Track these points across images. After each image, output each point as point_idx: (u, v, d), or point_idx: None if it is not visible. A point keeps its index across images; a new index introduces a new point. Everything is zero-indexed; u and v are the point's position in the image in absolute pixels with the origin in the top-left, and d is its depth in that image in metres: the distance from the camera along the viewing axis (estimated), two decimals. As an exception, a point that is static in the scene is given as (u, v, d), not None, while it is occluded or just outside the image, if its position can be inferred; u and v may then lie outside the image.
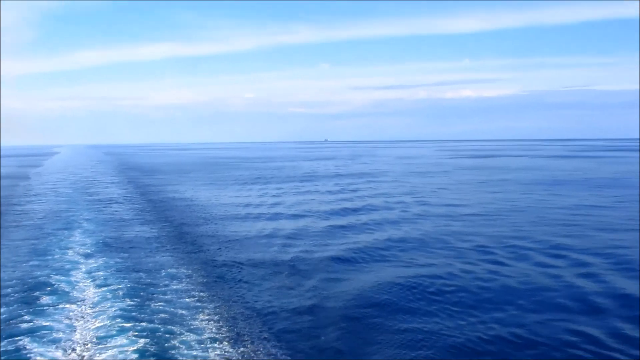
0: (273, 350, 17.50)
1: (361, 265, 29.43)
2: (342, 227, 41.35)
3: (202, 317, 20.39)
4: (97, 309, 21.49)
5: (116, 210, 51.30)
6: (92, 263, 28.90)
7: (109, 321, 19.73)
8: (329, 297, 23.61)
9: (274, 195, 64.89)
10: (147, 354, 16.75)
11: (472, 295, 23.28)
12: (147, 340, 17.72)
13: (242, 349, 17.55)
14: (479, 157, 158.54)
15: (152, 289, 24.45)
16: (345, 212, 49.34)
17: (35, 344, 17.54)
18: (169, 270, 28.20)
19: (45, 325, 19.23)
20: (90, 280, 25.98)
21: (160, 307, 21.59)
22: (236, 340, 18.34)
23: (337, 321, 20.41)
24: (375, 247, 33.32)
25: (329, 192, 67.81)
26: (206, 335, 18.44)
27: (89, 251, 32.26)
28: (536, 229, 38.31)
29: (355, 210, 50.02)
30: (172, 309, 21.11)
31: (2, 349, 17.62)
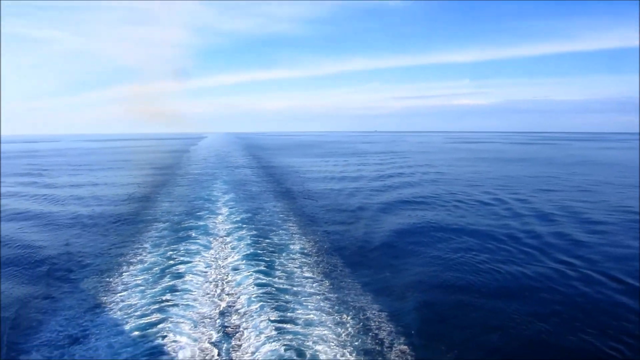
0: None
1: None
2: (391, 186, 41.76)
3: (310, 271, 16.82)
4: (229, 248, 20.12)
5: (244, 173, 52.79)
6: (227, 212, 28.70)
7: (238, 256, 18.33)
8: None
9: (343, 165, 65.68)
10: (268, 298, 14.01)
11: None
12: (267, 282, 15.21)
13: (341, 297, 14.37)
14: (470, 142, 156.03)
15: (268, 227, 24.97)
16: (389, 176, 49.69)
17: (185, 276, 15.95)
18: (281, 220, 28.38)
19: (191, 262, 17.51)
20: (224, 221, 26.82)
21: (274, 247, 20.05)
22: (339, 289, 15.23)
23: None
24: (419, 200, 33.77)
25: (378, 163, 68.24)
26: (313, 290, 14.99)
27: (225, 196, 33.85)
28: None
29: (395, 175, 50.52)
30: (290, 266, 17.38)
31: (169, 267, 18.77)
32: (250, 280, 15.43)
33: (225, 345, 11.35)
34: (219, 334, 11.87)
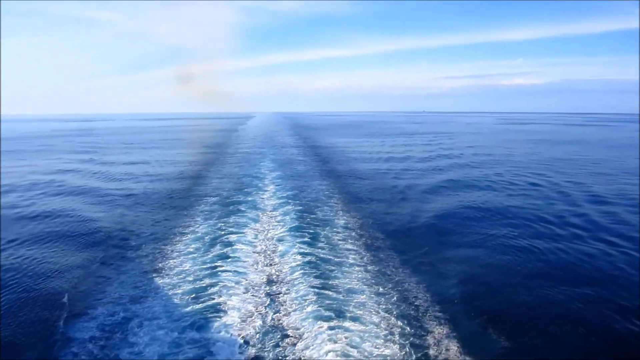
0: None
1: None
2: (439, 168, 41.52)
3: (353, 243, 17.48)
4: (275, 221, 22.35)
5: (291, 152, 53.86)
6: (274, 188, 29.82)
7: (282, 228, 19.33)
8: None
9: (390, 145, 65.59)
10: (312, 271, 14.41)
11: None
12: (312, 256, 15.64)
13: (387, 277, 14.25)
14: (523, 124, 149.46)
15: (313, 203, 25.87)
16: (437, 157, 49.51)
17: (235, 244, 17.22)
18: (326, 195, 29.16)
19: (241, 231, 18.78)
20: (270, 193, 28.01)
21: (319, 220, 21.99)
22: (379, 262, 15.73)
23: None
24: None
25: (426, 144, 67.66)
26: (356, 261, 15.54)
27: (273, 173, 34.98)
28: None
29: (442, 157, 50.28)
30: (334, 238, 18.08)
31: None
32: (295, 250, 16.33)
33: (270, 307, 12.21)
34: (265, 298, 12.75)
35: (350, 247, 17.21)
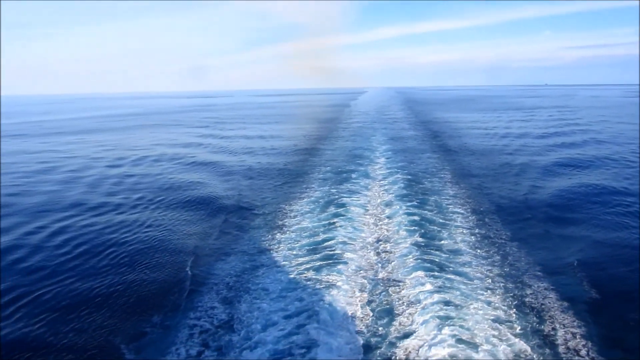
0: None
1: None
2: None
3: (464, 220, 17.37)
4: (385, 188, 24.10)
5: (402, 126, 54.53)
6: (384, 160, 31.60)
7: (392, 197, 20.64)
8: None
9: (507, 121, 63.65)
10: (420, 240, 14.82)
11: None
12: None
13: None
14: None
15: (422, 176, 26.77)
16: (557, 134, 47.40)
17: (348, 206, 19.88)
18: (435, 170, 29.90)
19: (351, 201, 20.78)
20: (382, 168, 29.31)
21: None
22: (484, 225, 17.05)
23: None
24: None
25: (546, 119, 64.31)
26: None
27: (383, 146, 36.20)
28: None
29: (564, 133, 47.87)
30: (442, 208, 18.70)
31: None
32: (402, 212, 17.80)
33: (379, 263, 13.64)
34: (375, 256, 14.19)
35: (457, 209, 18.41)
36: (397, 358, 9.22)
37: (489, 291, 11.70)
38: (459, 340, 9.48)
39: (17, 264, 13.93)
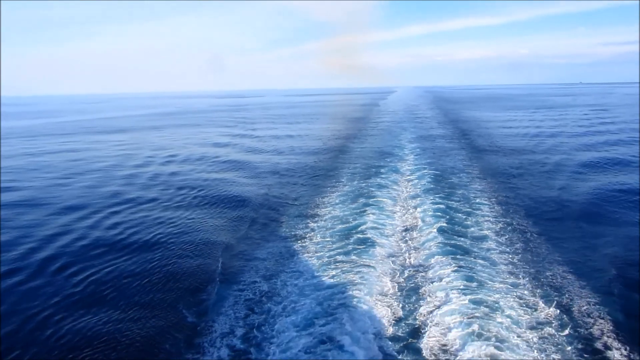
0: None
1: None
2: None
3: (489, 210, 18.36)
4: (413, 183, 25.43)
5: (430, 125, 55.24)
6: (412, 158, 32.83)
7: (419, 189, 22.17)
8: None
9: (540, 120, 63.44)
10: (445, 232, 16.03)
11: None
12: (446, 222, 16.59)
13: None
14: None
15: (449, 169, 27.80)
16: (592, 133, 47.29)
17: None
18: (462, 165, 30.84)
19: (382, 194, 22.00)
20: (409, 163, 30.52)
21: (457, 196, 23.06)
22: (508, 214, 19.62)
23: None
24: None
25: (580, 118, 63.80)
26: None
27: (412, 144, 37.38)
28: None
29: (598, 133, 47.73)
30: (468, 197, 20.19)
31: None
32: (429, 202, 19.21)
33: (407, 248, 14.93)
34: (403, 242, 15.47)
35: (482, 200, 19.65)
36: (425, 332, 10.25)
37: (523, 288, 12.52)
38: (485, 317, 10.42)
39: (78, 241, 15.86)
